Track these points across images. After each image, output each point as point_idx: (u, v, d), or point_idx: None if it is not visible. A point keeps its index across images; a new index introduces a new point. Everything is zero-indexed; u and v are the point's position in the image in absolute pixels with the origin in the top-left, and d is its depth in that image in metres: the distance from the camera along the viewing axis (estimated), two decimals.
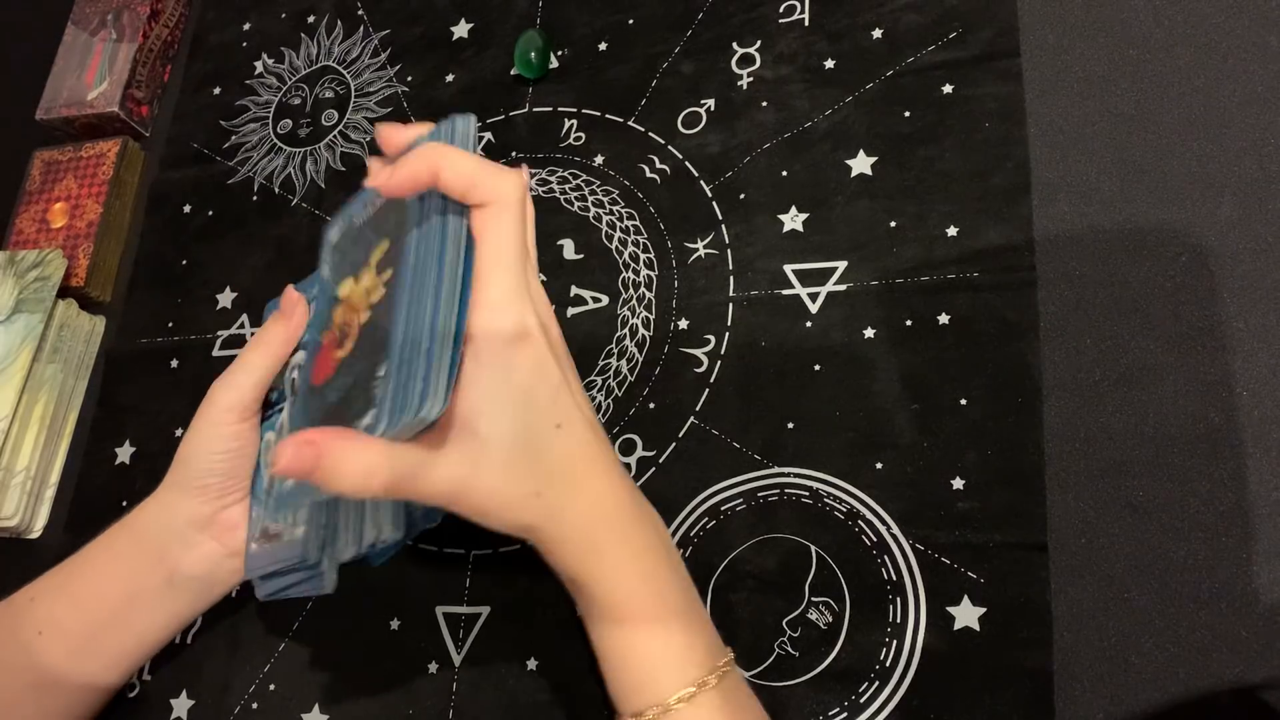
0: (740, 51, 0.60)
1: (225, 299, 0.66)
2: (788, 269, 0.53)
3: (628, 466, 0.52)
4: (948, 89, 0.54)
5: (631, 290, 0.56)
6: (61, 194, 0.71)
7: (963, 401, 0.47)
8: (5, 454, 0.61)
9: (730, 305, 0.54)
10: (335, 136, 0.69)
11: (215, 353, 0.64)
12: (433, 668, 0.51)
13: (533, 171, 0.62)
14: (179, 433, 0.62)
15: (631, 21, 0.64)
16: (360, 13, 0.73)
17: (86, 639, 0.49)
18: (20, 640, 0.48)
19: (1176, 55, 0.50)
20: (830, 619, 0.45)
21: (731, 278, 0.54)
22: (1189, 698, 0.40)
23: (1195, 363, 0.45)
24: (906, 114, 0.54)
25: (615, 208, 0.59)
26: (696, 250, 0.56)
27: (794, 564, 0.47)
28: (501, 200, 0.36)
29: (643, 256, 0.57)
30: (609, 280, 0.57)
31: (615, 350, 0.55)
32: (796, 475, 0.49)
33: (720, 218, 0.56)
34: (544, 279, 0.58)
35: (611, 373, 0.55)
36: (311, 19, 0.74)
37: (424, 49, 0.69)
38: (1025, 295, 0.48)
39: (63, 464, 0.65)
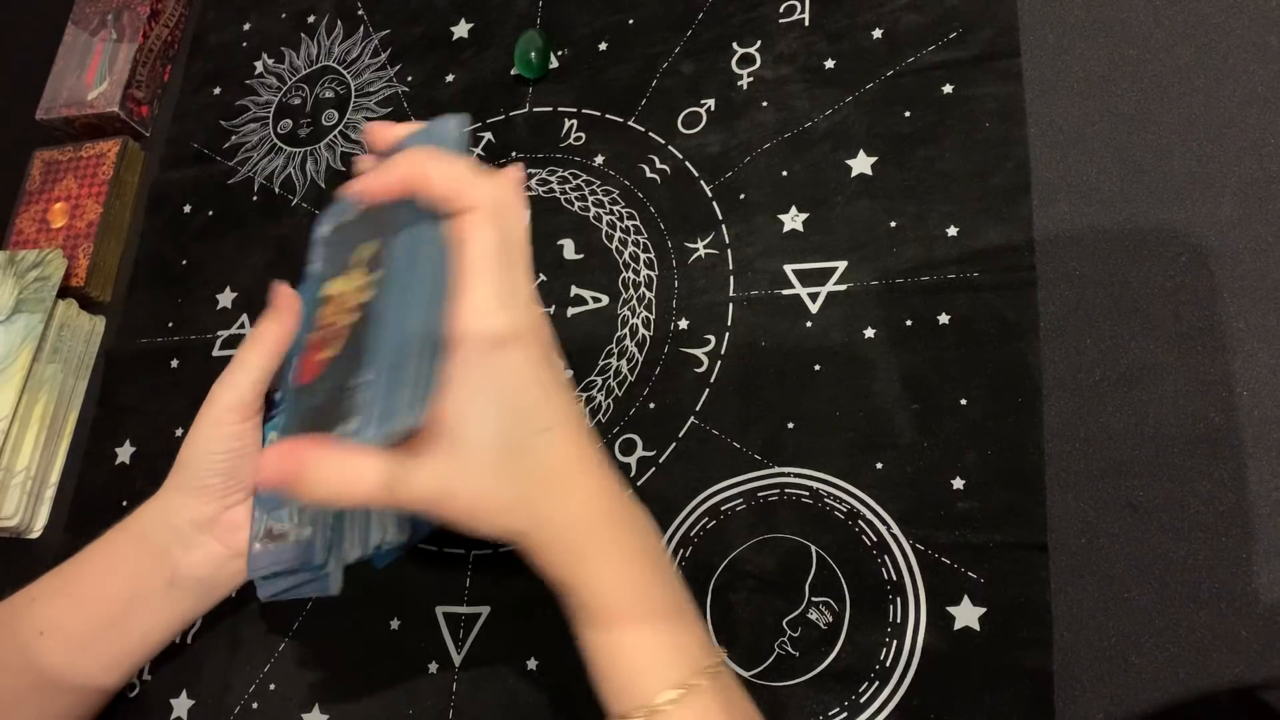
0: (740, 51, 0.60)
1: (225, 299, 0.66)
2: (788, 269, 0.53)
3: (627, 467, 0.52)
4: (948, 89, 0.54)
5: (631, 290, 0.56)
6: (61, 194, 0.71)
7: (963, 401, 0.47)
8: (5, 454, 0.61)
9: (730, 305, 0.54)
10: (335, 136, 0.69)
11: (215, 353, 0.64)
12: (433, 668, 0.51)
13: (532, 171, 0.62)
14: (179, 433, 0.62)
15: (631, 21, 0.64)
16: (360, 13, 0.73)
17: (87, 640, 0.49)
18: (21, 641, 0.48)
19: (1176, 55, 0.50)
20: (830, 619, 0.45)
21: (731, 278, 0.54)
22: (1189, 698, 0.40)
23: (1195, 363, 0.45)
24: (906, 114, 0.54)
25: (615, 208, 0.59)
26: (696, 250, 0.56)
27: (794, 564, 0.47)
28: (487, 204, 0.36)
29: (643, 256, 0.57)
30: (609, 280, 0.57)
31: (615, 350, 0.55)
32: (796, 475, 0.49)
33: (720, 218, 0.56)
34: (544, 279, 0.58)
35: (611, 373, 0.55)
36: (311, 19, 0.74)
37: (424, 49, 0.69)
38: (1025, 295, 0.48)
39: (63, 464, 0.65)
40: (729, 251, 0.55)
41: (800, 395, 0.50)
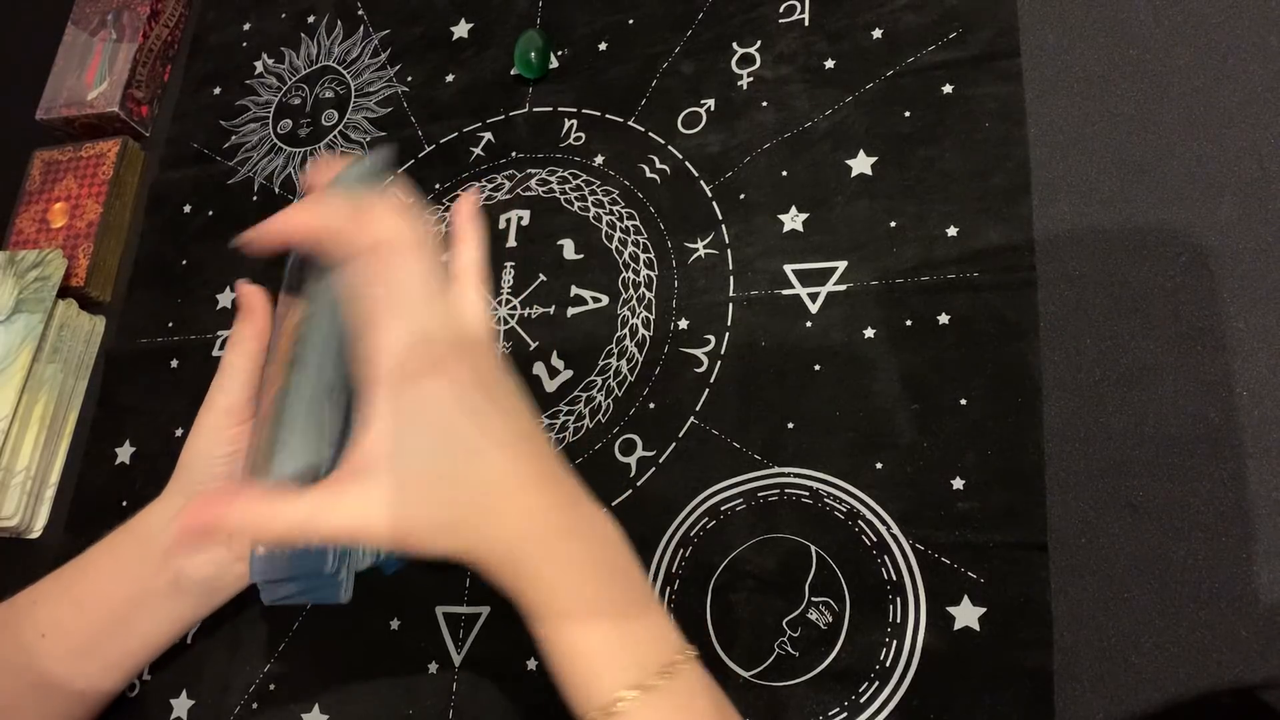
0: (740, 51, 0.60)
1: (225, 299, 0.66)
2: (788, 269, 0.53)
3: (627, 467, 0.52)
4: (948, 89, 0.54)
5: (631, 290, 0.56)
6: (61, 194, 0.71)
7: (963, 401, 0.47)
8: (5, 454, 0.61)
9: (730, 305, 0.54)
10: (335, 136, 0.69)
11: (215, 353, 0.64)
12: (433, 668, 0.51)
13: (532, 171, 0.62)
14: (179, 433, 0.62)
15: (631, 21, 0.64)
16: (360, 13, 0.73)
17: (89, 642, 0.49)
18: (23, 643, 0.48)
19: (1176, 55, 0.50)
20: (830, 619, 0.45)
21: (731, 278, 0.54)
22: (1189, 698, 0.40)
23: (1195, 363, 0.45)
24: (906, 114, 0.54)
25: (615, 208, 0.59)
26: (696, 250, 0.56)
27: (794, 564, 0.47)
28: (387, 242, 0.37)
29: (643, 256, 0.57)
30: (609, 280, 0.57)
31: (615, 350, 0.55)
32: (796, 475, 0.49)
33: (720, 218, 0.56)
34: (544, 279, 0.58)
35: (611, 373, 0.55)
36: (311, 19, 0.74)
37: (424, 49, 0.69)
38: (1025, 295, 0.48)
39: (63, 464, 0.65)
40: (729, 251, 0.55)
41: (800, 395, 0.50)
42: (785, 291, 0.53)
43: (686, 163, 0.58)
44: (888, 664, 0.44)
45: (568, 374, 0.56)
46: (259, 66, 0.74)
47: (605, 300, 0.57)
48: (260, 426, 0.42)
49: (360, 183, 0.41)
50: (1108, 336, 0.46)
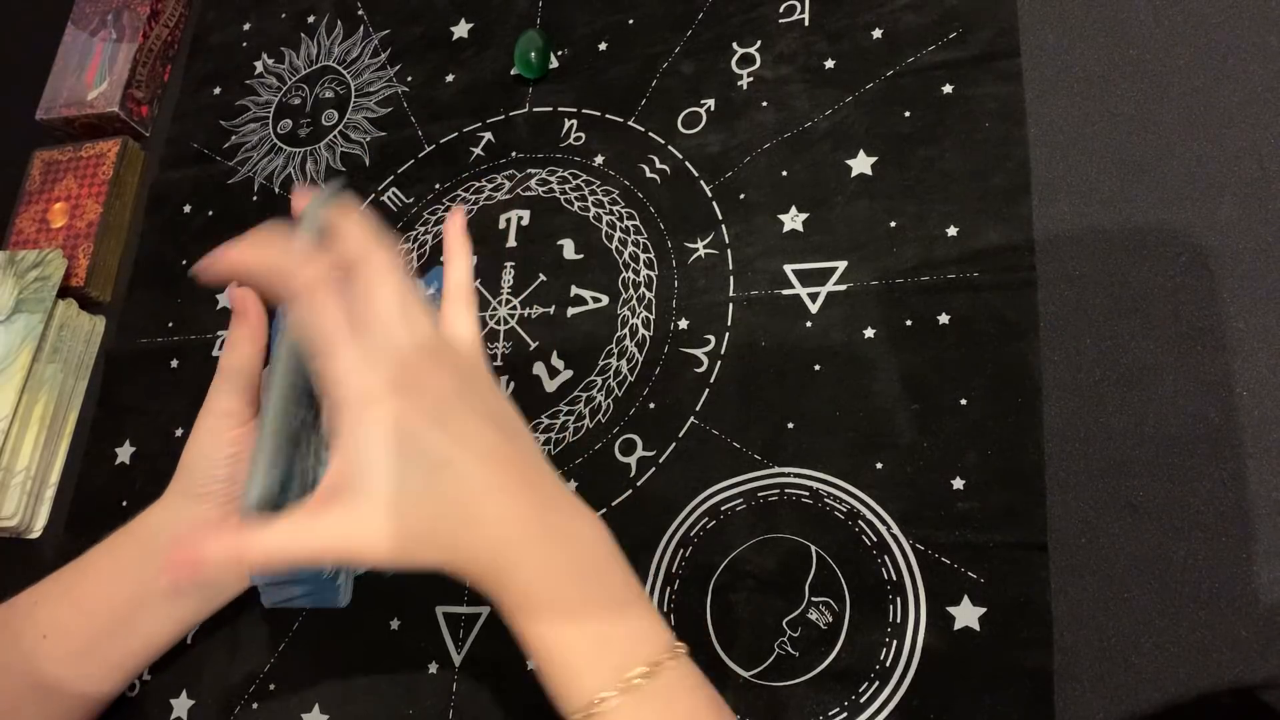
0: (740, 51, 0.60)
1: (225, 299, 0.66)
2: (788, 269, 0.53)
3: (627, 467, 0.52)
4: (948, 89, 0.54)
5: (631, 290, 0.56)
6: (61, 194, 0.71)
7: (963, 401, 0.47)
8: (5, 454, 0.61)
9: (730, 305, 0.54)
10: (335, 136, 0.69)
11: (215, 353, 0.64)
12: (433, 668, 0.51)
13: (532, 171, 0.62)
14: (179, 433, 0.62)
15: (631, 21, 0.64)
16: (360, 13, 0.73)
17: (90, 644, 0.49)
18: (24, 644, 0.48)
19: (1176, 55, 0.50)
20: (830, 619, 0.45)
21: (731, 278, 0.54)
22: (1189, 698, 0.40)
23: (1195, 363, 0.45)
24: (906, 114, 0.54)
25: (615, 208, 0.59)
26: (696, 250, 0.56)
27: (794, 564, 0.47)
28: (356, 262, 0.38)
29: (643, 256, 0.57)
30: (609, 280, 0.57)
31: (615, 350, 0.55)
32: (796, 475, 0.49)
33: (720, 218, 0.56)
34: (544, 279, 0.58)
35: (611, 373, 0.55)
36: (311, 19, 0.74)
37: (424, 49, 0.69)
38: (1025, 295, 0.48)
39: (63, 464, 0.65)
40: (729, 251, 0.55)
41: (800, 395, 0.50)
42: (785, 291, 0.53)
43: (686, 163, 0.58)
44: (888, 664, 0.44)
45: (568, 374, 0.56)
46: (259, 66, 0.74)
47: (605, 300, 0.57)
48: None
49: (318, 218, 0.43)
50: (1108, 336, 0.46)
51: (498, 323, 0.58)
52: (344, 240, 0.40)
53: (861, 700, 0.44)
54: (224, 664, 0.55)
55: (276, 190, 0.69)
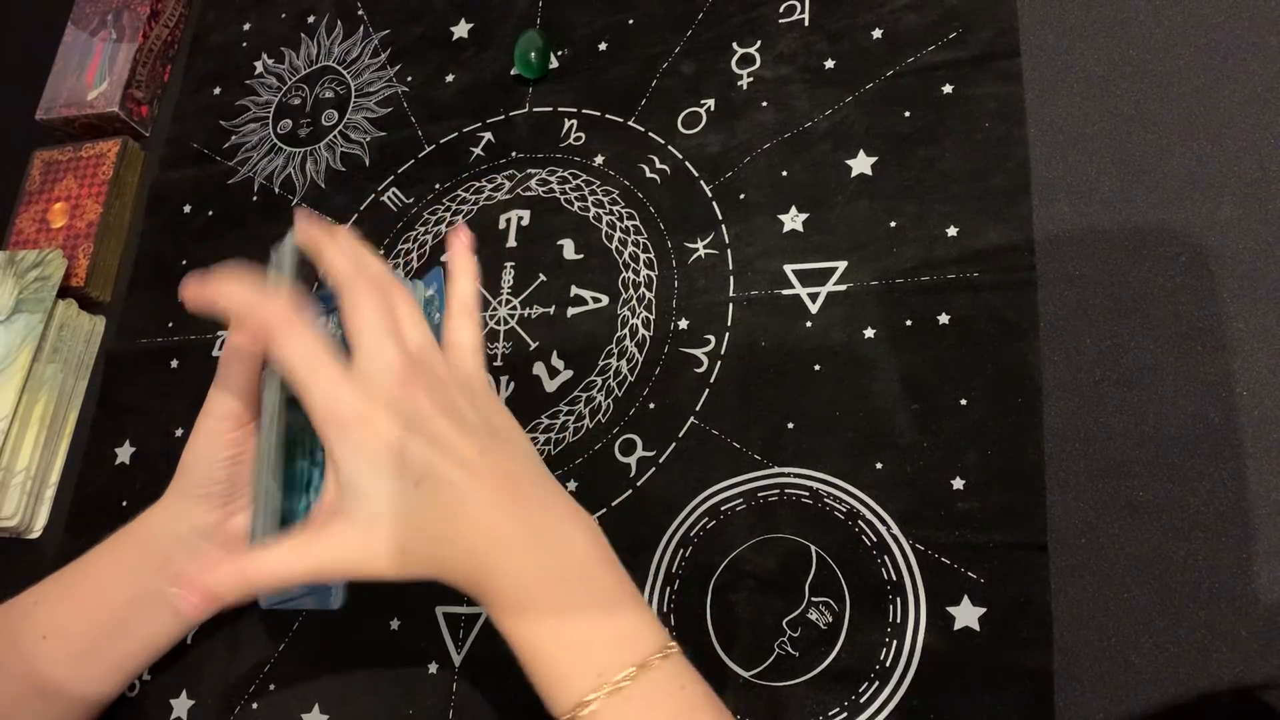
0: (740, 51, 0.60)
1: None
2: (788, 269, 0.53)
3: (627, 467, 0.52)
4: (948, 89, 0.54)
5: (631, 290, 0.56)
6: (61, 194, 0.72)
7: (963, 401, 0.47)
8: (5, 454, 0.61)
9: (730, 305, 0.54)
10: (335, 136, 0.69)
11: (215, 353, 0.64)
12: (433, 668, 0.51)
13: (532, 171, 0.62)
14: (179, 433, 0.62)
15: (631, 21, 0.64)
16: (360, 13, 0.73)
17: (90, 644, 0.49)
18: (23, 645, 0.48)
19: (1176, 55, 0.50)
20: (830, 619, 0.45)
21: (731, 278, 0.54)
22: (1189, 698, 0.40)
23: (1195, 363, 0.45)
24: (906, 114, 0.54)
25: (615, 208, 0.59)
26: (696, 250, 0.56)
27: (794, 564, 0.47)
28: (272, 326, 0.39)
29: (643, 256, 0.57)
30: (609, 280, 0.57)
31: (615, 350, 0.55)
32: (796, 475, 0.49)
33: (720, 218, 0.56)
34: (544, 279, 0.58)
35: (611, 373, 0.55)
36: (311, 19, 0.74)
37: (424, 49, 0.69)
38: (1025, 295, 0.48)
39: (63, 464, 0.65)
40: (729, 251, 0.55)
41: (800, 395, 0.50)
42: (785, 291, 0.53)
43: (686, 163, 0.58)
44: (888, 664, 0.44)
45: (568, 374, 0.56)
46: (259, 66, 0.74)
47: (605, 300, 0.57)
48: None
49: (288, 255, 0.45)
50: (1108, 336, 0.46)
51: (498, 323, 0.58)
52: (326, 266, 0.41)
53: (861, 700, 0.44)
54: (224, 664, 0.55)
55: (276, 190, 0.69)
